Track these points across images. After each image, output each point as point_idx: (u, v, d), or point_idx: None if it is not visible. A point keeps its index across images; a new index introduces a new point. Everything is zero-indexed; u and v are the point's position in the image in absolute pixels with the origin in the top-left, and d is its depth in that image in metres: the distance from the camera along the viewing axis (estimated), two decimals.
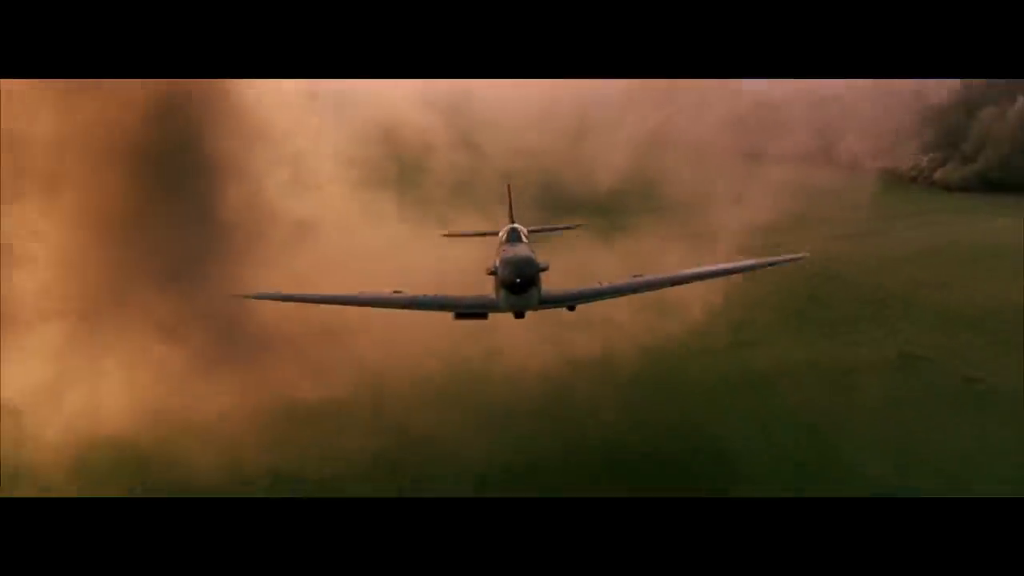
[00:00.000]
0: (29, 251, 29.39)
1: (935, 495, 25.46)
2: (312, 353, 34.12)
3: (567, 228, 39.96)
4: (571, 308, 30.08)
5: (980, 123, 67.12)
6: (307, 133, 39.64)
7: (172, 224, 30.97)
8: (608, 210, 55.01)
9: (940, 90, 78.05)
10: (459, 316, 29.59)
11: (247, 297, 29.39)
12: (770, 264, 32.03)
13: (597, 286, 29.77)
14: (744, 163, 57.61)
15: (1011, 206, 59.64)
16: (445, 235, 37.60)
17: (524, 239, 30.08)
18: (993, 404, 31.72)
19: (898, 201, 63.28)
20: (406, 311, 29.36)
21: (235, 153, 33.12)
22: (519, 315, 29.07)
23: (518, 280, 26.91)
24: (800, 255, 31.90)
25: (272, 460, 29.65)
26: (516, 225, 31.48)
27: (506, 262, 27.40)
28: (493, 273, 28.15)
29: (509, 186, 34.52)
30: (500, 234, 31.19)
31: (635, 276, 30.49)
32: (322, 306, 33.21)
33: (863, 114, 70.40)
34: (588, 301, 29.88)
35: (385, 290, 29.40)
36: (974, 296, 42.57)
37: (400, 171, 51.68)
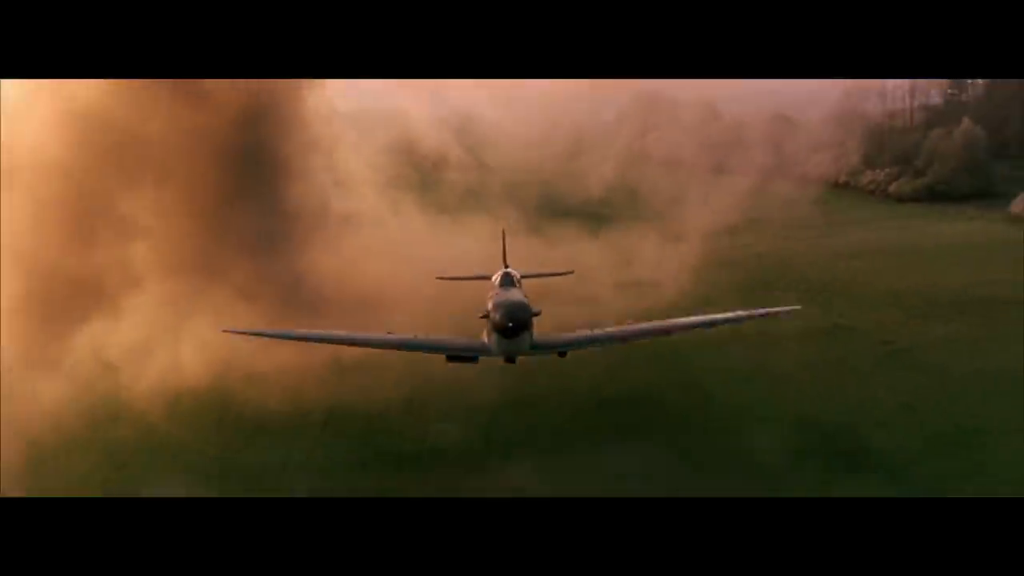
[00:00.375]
0: (143, 229, 37.53)
1: (842, 421, 33.46)
2: (354, 318, 42.06)
3: (560, 274, 39.93)
4: (562, 355, 30.41)
5: (930, 142, 75.83)
6: (347, 144, 48.13)
7: (248, 211, 38.99)
8: (597, 214, 63.51)
9: (899, 113, 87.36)
10: (450, 359, 30.15)
11: (232, 332, 31.93)
12: (763, 315, 33.37)
13: (589, 333, 30.37)
14: (713, 175, 66.30)
15: (952, 214, 68.20)
16: (439, 278, 37.71)
17: (517, 284, 30.76)
18: (901, 360, 39.75)
19: (852, 208, 71.92)
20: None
21: (296, 156, 41.45)
22: (510, 360, 29.44)
23: (510, 324, 27.11)
24: (793, 307, 33.76)
25: (327, 401, 36.82)
26: (510, 269, 32.04)
27: (498, 306, 27.83)
28: (485, 317, 28.58)
29: (504, 231, 35.04)
30: (493, 278, 31.73)
31: (630, 323, 31.25)
32: (365, 281, 41.52)
33: (830, 136, 79.26)
34: (580, 347, 30.35)
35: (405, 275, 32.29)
36: (904, 281, 50.76)
37: (420, 178, 60.29)
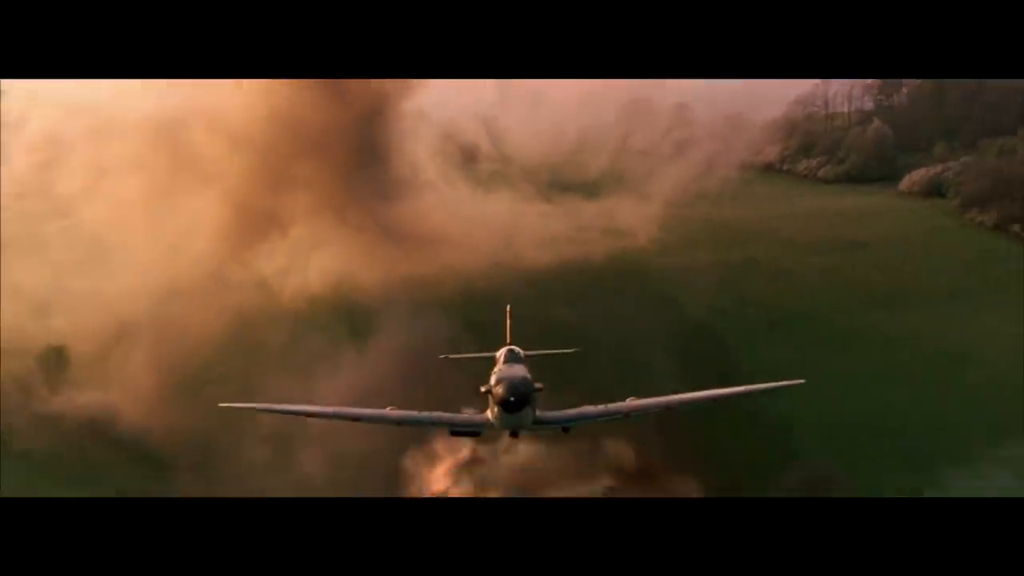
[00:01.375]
0: (302, 183, 59.07)
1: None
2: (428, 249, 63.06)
3: (565, 352, 39.32)
4: (566, 430, 31.23)
5: (850, 137, 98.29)
6: (418, 132, 69.72)
7: (363, 177, 60.59)
8: (592, 188, 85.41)
9: (838, 115, 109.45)
10: (454, 433, 31.13)
11: (229, 406, 32.58)
12: (765, 389, 32.64)
13: (592, 408, 31.17)
14: (679, 161, 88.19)
15: (860, 192, 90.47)
16: (443, 357, 36.80)
17: (521, 360, 30.67)
18: (782, 275, 61.62)
19: (788, 187, 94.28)
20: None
21: (394, 140, 63.23)
22: (514, 434, 30.67)
23: (512, 399, 27.83)
24: (797, 381, 32.44)
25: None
26: (514, 347, 31.96)
27: (501, 381, 28.49)
28: (488, 392, 29.14)
29: (509, 308, 35.08)
30: (498, 355, 31.69)
31: (632, 399, 31.36)
32: (434, 221, 63.13)
33: (778, 132, 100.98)
34: (582, 422, 31.15)
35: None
36: (808, 234, 72.92)
37: (462, 159, 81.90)
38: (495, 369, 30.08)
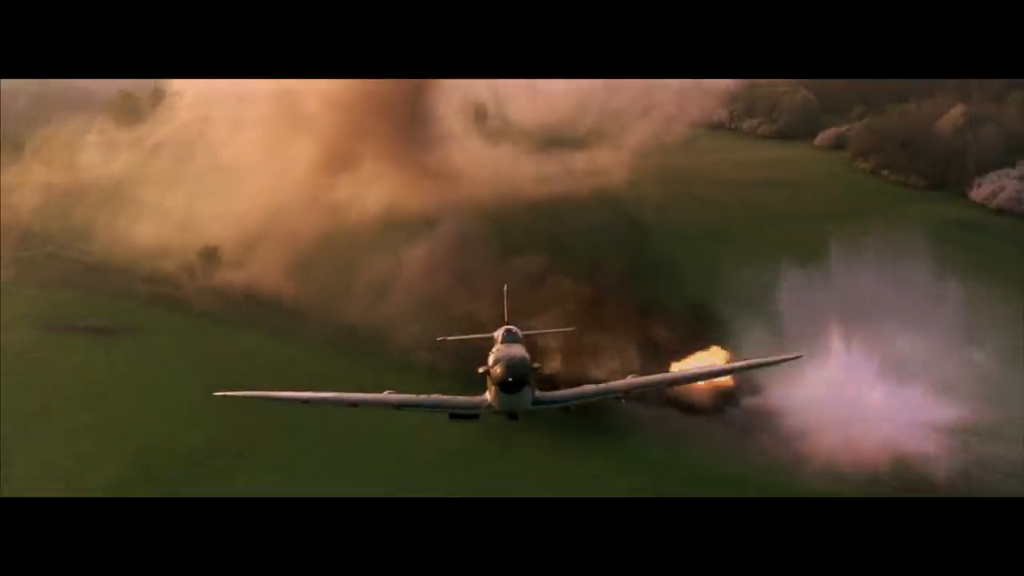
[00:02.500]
0: (373, 136, 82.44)
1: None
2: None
3: (561, 331, 41.01)
4: (566, 410, 31.13)
5: (783, 101, 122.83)
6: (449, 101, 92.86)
7: (418, 136, 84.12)
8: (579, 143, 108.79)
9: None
10: (453, 417, 30.63)
11: (223, 394, 32.17)
12: (767, 364, 33.05)
13: (593, 388, 31.31)
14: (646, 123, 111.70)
15: (786, 145, 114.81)
16: (440, 340, 37.30)
17: (519, 340, 30.41)
18: (712, 208, 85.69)
19: (732, 141, 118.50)
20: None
21: (431, 105, 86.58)
22: (512, 416, 30.06)
23: (510, 379, 27.72)
24: (796, 355, 33.11)
25: None
26: (511, 327, 31.51)
27: (499, 361, 28.35)
28: (486, 372, 28.98)
29: (506, 287, 34.83)
30: (495, 334, 31.35)
31: (631, 377, 31.61)
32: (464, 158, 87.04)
33: (730, 97, 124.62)
34: (581, 402, 30.99)
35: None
36: (737, 173, 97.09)
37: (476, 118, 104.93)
38: (493, 349, 30.06)
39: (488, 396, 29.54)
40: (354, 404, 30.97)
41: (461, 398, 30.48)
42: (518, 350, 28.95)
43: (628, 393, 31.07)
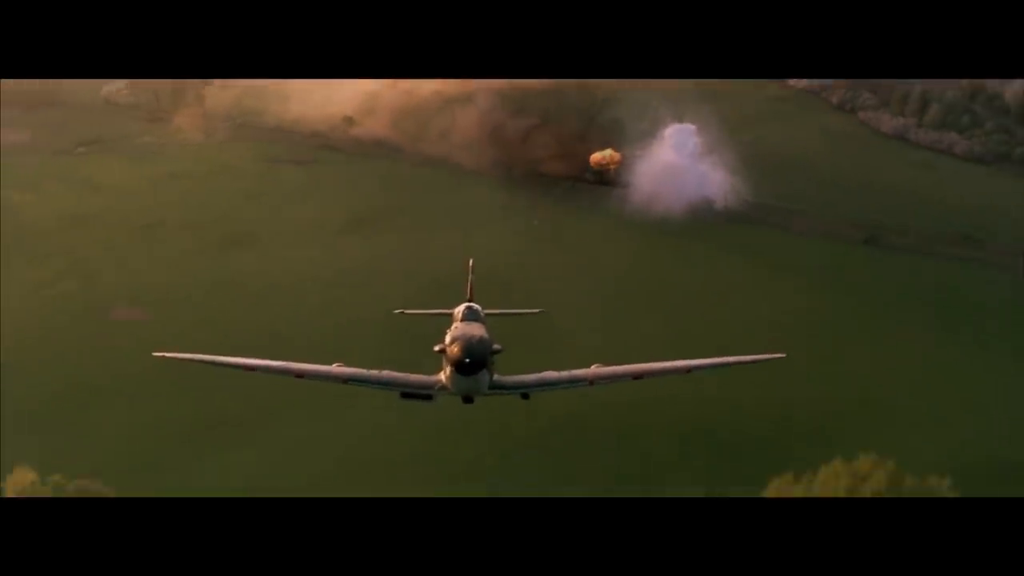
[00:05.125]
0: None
1: None
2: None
3: (529, 313, 37.37)
4: (525, 396, 29.32)
5: None
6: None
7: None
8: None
9: None
10: (405, 396, 28.81)
11: (162, 356, 30.97)
12: (747, 362, 30.90)
13: (555, 374, 29.26)
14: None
15: None
16: (397, 312, 36.02)
17: (480, 319, 28.76)
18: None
19: None
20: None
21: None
22: (468, 399, 28.23)
23: (467, 360, 25.85)
24: (777, 355, 31.26)
25: None
26: (473, 304, 29.95)
27: (456, 340, 26.43)
28: (442, 351, 27.08)
29: (472, 262, 32.90)
30: (455, 311, 29.65)
31: (597, 366, 29.57)
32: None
33: None
34: (540, 390, 29.28)
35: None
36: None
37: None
38: (451, 327, 28.40)
39: (443, 376, 28.14)
40: (300, 375, 29.66)
41: (414, 376, 29.13)
42: (478, 329, 27.67)
43: (593, 383, 29.61)
